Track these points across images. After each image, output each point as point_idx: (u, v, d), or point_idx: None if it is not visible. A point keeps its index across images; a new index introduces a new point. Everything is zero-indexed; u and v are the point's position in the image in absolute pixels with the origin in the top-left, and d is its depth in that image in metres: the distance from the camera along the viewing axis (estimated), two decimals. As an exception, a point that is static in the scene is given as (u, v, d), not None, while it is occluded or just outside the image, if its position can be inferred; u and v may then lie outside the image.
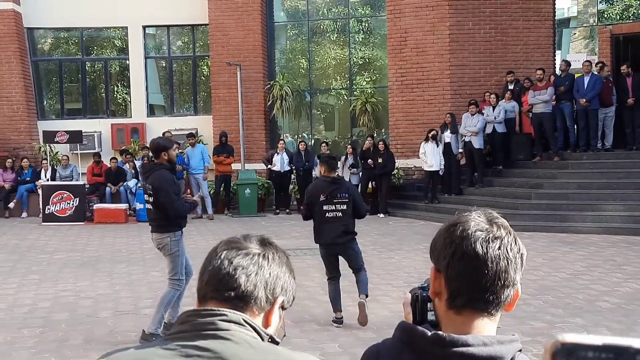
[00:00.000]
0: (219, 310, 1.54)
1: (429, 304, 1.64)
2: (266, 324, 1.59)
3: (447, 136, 15.71)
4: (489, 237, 1.52)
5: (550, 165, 15.10)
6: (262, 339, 1.54)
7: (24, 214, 17.16)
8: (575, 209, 13.38)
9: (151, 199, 6.62)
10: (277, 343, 1.57)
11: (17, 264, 10.84)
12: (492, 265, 1.51)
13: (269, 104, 18.66)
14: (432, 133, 15.67)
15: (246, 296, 1.56)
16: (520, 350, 1.51)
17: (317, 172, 8.21)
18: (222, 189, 17.09)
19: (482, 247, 1.51)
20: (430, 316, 1.63)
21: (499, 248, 1.52)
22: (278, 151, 17.25)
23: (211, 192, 16.82)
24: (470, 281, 1.52)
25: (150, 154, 7.30)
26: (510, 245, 1.54)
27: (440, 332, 1.49)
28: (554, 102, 15.14)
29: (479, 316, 1.54)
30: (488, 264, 1.50)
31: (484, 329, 1.54)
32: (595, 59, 17.17)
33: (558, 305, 7.64)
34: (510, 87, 16.20)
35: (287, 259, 1.67)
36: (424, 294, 1.65)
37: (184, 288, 6.83)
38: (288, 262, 1.66)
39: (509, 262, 1.52)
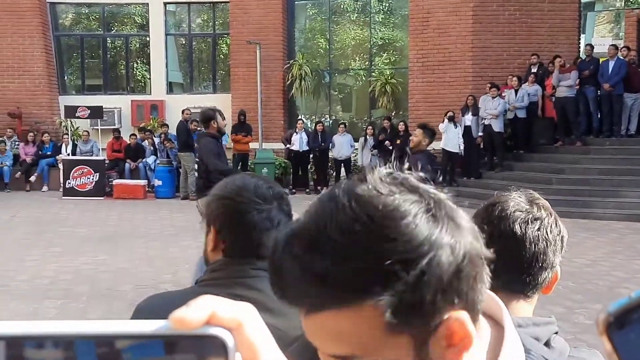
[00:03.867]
0: (248, 259, 1.70)
1: None
2: None
3: (468, 119, 15.61)
4: (528, 218, 1.49)
5: (572, 150, 14.96)
6: None
7: (45, 188, 17.30)
8: (597, 195, 13.26)
9: (196, 166, 7.09)
10: None
11: (38, 237, 10.93)
12: (530, 247, 1.48)
13: (287, 83, 18.61)
14: (449, 114, 15.59)
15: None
16: (556, 333, 1.50)
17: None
18: (239, 167, 17.09)
19: (520, 228, 1.48)
20: None
21: (539, 229, 1.49)
22: (297, 130, 17.22)
23: (229, 171, 16.83)
24: (507, 262, 1.46)
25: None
26: (551, 226, 1.51)
27: None
28: (578, 87, 14.98)
29: (514, 298, 1.52)
30: (526, 245, 1.48)
31: (520, 311, 1.52)
32: (621, 43, 16.95)
33: (578, 291, 7.59)
34: (534, 70, 16.02)
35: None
36: None
37: None
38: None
39: (548, 243, 1.50)
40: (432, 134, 7.78)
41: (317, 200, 0.76)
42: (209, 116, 7.48)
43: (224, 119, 7.86)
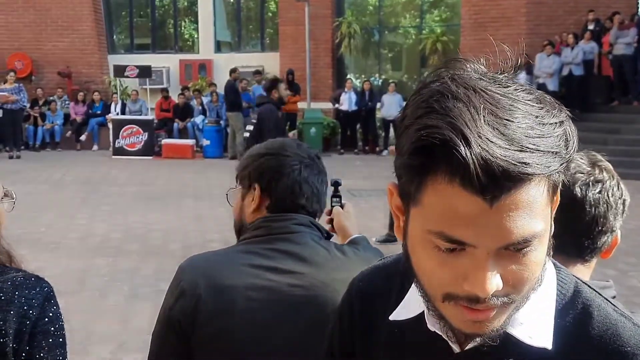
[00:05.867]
0: (289, 215, 1.75)
1: None
2: None
3: (522, 78, 15.20)
4: (589, 181, 1.45)
5: (629, 110, 14.56)
6: (323, 235, 1.79)
7: (95, 147, 17.56)
8: (654, 155, 12.86)
9: (251, 128, 7.28)
10: (330, 236, 1.85)
11: (89, 195, 11.10)
12: (590, 210, 1.44)
13: (336, 41, 18.37)
14: (499, 74, 15.23)
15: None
16: (614, 297, 1.45)
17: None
18: (287, 127, 17.02)
19: (581, 190, 1.44)
20: None
21: (600, 192, 1.45)
22: (346, 90, 17.04)
23: (277, 130, 16.79)
24: (565, 225, 1.40)
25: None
26: (612, 189, 1.47)
27: None
28: (636, 44, 14.46)
29: (572, 262, 1.48)
30: (586, 208, 1.44)
31: (577, 275, 1.44)
32: (684, -2, 16.27)
33: (631, 253, 7.42)
34: (590, 27, 15.50)
35: None
36: None
37: None
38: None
39: (609, 207, 1.45)
40: None
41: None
42: (269, 86, 7.61)
43: (287, 88, 8.09)
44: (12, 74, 16.55)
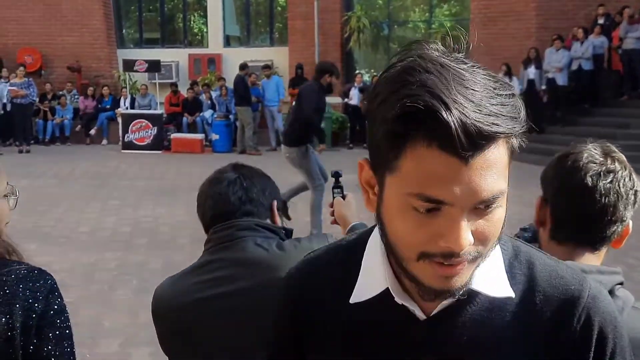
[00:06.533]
0: (231, 222, 1.82)
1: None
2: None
3: (531, 72, 15.14)
4: (601, 171, 1.47)
5: (638, 104, 14.42)
6: (278, 234, 1.86)
7: (104, 141, 17.59)
8: (664, 150, 12.78)
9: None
10: (291, 231, 1.93)
11: (98, 190, 11.14)
12: (601, 199, 1.46)
13: (345, 36, 18.33)
14: (503, 69, 15.15)
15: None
16: (621, 284, 1.48)
17: None
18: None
19: (592, 180, 1.46)
20: None
21: (611, 182, 1.46)
22: (355, 84, 17.02)
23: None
24: (575, 213, 1.48)
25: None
26: (624, 180, 1.48)
27: None
28: (646, 38, 14.39)
29: (581, 249, 1.51)
30: (596, 197, 1.46)
31: (585, 262, 1.50)
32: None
33: (642, 249, 7.39)
34: (600, 21, 15.39)
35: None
36: (525, 235, 1.67)
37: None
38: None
39: (620, 197, 1.47)
40: None
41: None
42: (325, 68, 7.56)
43: (338, 77, 7.90)
44: (21, 68, 16.60)
